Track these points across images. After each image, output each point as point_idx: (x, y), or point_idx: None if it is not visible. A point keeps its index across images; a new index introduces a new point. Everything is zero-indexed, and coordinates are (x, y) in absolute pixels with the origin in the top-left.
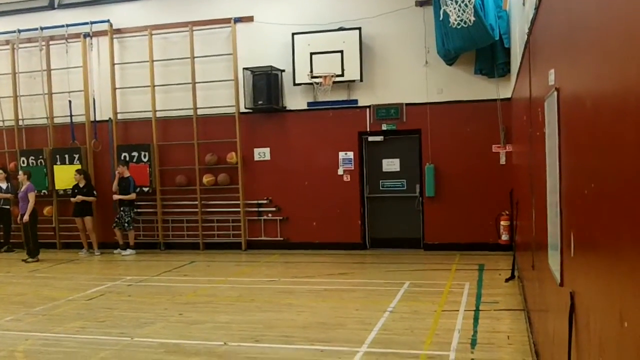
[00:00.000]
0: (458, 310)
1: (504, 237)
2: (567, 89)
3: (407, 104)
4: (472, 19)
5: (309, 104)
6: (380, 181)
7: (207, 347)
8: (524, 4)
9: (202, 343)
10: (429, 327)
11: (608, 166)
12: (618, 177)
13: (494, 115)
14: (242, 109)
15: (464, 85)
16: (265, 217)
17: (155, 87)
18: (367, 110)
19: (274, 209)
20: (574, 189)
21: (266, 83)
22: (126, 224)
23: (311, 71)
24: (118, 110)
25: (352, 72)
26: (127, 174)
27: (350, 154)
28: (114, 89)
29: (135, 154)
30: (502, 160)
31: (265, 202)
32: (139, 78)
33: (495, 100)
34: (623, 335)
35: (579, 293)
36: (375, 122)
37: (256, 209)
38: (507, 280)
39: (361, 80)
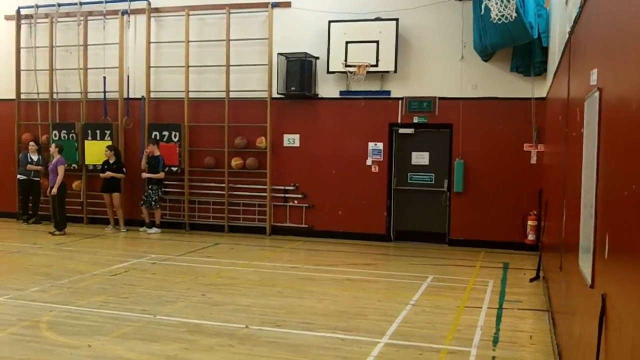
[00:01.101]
0: (481, 307)
1: (530, 237)
2: (609, 89)
3: (440, 98)
4: (514, 15)
5: (341, 92)
6: (409, 174)
7: (228, 329)
8: (566, 3)
9: (223, 325)
10: (450, 322)
11: None
12: None
13: (527, 113)
14: (274, 94)
15: (499, 82)
16: (291, 204)
17: (189, 68)
18: (400, 102)
19: (300, 195)
20: (612, 191)
21: (300, 69)
22: (153, 203)
23: (345, 60)
24: (151, 89)
25: (386, 63)
26: (157, 152)
27: (380, 145)
28: (148, 67)
29: (165, 133)
30: (533, 160)
31: (291, 188)
32: (173, 58)
33: (529, 99)
34: None
35: (611, 296)
36: (407, 114)
37: (282, 195)
38: (531, 280)
39: (395, 71)
